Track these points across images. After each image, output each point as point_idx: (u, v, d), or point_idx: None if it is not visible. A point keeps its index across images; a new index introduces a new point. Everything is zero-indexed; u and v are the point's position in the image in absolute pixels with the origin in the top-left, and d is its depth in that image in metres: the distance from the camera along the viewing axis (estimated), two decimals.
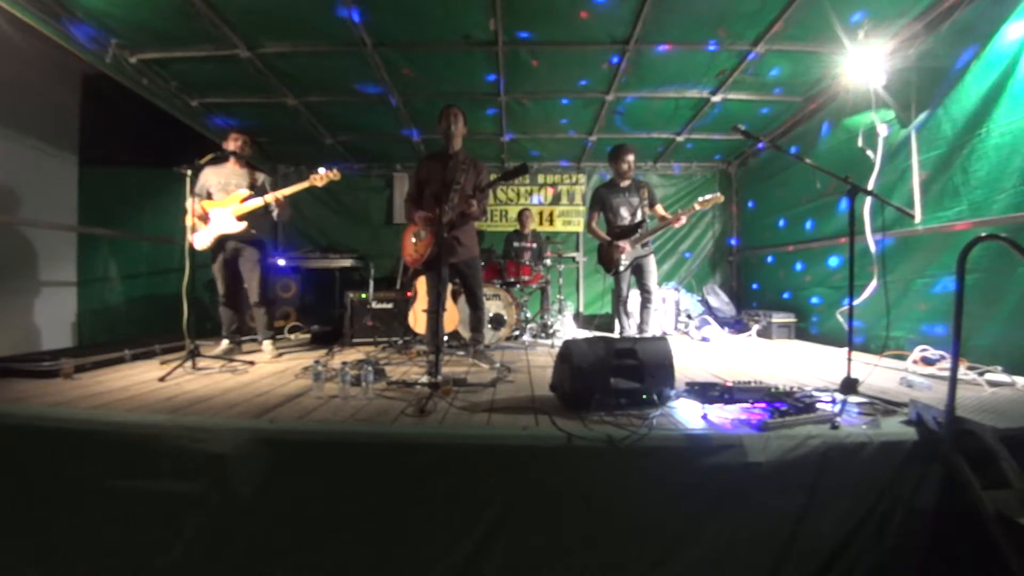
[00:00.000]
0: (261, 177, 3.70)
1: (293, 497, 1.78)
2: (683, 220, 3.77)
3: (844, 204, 4.26)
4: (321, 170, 3.44)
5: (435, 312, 2.92)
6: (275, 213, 3.54)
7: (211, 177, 3.56)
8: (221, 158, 3.55)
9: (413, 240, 3.26)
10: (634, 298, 4.21)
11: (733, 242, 6.50)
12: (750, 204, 6.18)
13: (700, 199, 3.69)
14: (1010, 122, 2.81)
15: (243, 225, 3.49)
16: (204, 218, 3.48)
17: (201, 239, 3.48)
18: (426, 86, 4.36)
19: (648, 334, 3.86)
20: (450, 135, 3.19)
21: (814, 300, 4.74)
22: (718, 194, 3.72)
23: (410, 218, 3.33)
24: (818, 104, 4.57)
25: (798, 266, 5.05)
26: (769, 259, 5.69)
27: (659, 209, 3.92)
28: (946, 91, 3.16)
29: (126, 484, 1.80)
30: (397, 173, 6.51)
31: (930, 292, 3.28)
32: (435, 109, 4.67)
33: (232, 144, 3.59)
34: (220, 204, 3.51)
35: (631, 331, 4.11)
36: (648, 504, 1.75)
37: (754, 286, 6.15)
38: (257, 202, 3.47)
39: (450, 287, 4.16)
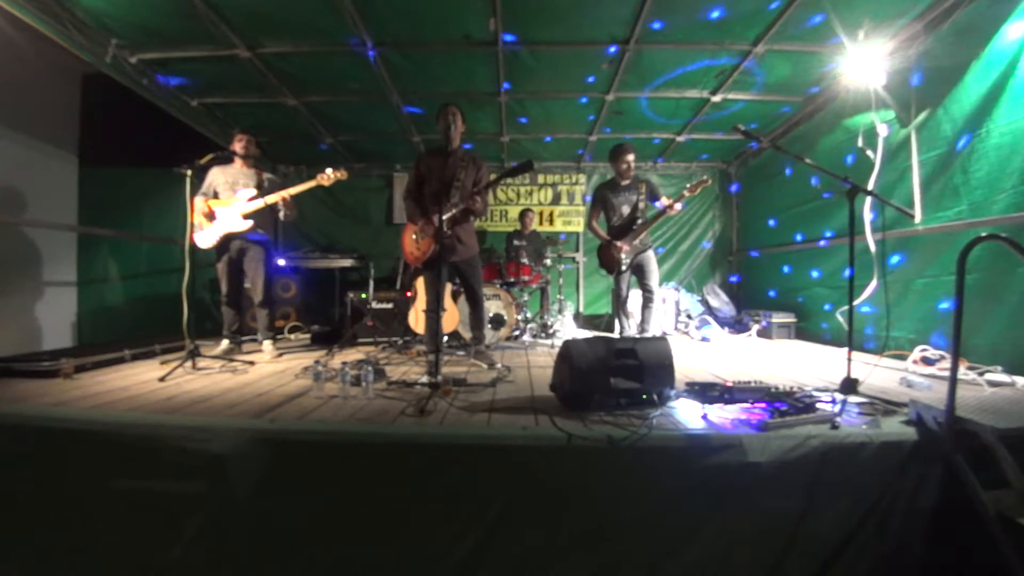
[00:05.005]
0: (268, 177, 3.71)
1: (293, 497, 1.78)
2: (678, 207, 3.80)
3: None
4: (328, 170, 3.45)
5: (435, 312, 2.91)
6: (282, 213, 3.54)
7: (218, 176, 3.57)
8: (227, 158, 3.56)
9: (413, 238, 3.24)
10: (635, 298, 4.21)
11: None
12: (749, 204, 6.19)
13: (688, 185, 3.81)
14: (1010, 122, 2.81)
15: (249, 224, 3.49)
16: (210, 216, 3.48)
17: (206, 238, 3.48)
18: (426, 86, 4.36)
19: (649, 334, 3.86)
20: (449, 134, 3.18)
21: (812, 300, 4.75)
22: (704, 177, 3.81)
23: (411, 216, 3.30)
24: (818, 104, 4.57)
25: (798, 266, 5.05)
26: (769, 259, 5.70)
27: (664, 201, 3.91)
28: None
29: (126, 484, 1.80)
30: (397, 173, 6.51)
31: None
32: (435, 109, 4.73)
33: (238, 145, 3.60)
34: (226, 203, 3.51)
35: (631, 331, 4.11)
36: (648, 504, 1.75)
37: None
38: (262, 201, 3.47)
39: (450, 287, 4.16)
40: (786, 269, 5.27)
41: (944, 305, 3.24)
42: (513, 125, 5.24)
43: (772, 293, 5.53)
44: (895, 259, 3.49)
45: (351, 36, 3.57)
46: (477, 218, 3.30)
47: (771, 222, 5.56)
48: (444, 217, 3.03)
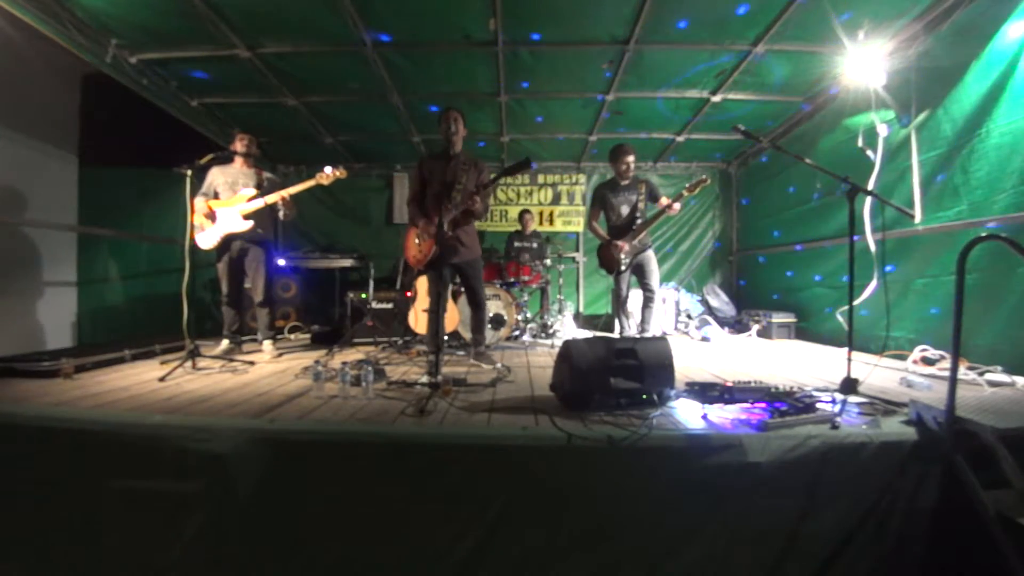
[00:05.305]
0: (268, 177, 3.71)
1: (293, 497, 1.78)
2: (676, 207, 3.79)
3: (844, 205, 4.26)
4: (328, 169, 3.45)
5: (435, 312, 2.92)
6: (282, 213, 3.54)
7: (218, 176, 3.57)
8: (227, 158, 3.56)
9: (416, 241, 3.25)
10: (635, 298, 4.21)
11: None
12: (747, 202, 6.19)
13: (687, 185, 3.79)
14: (1010, 122, 2.81)
15: (250, 224, 3.50)
16: (211, 217, 3.48)
17: (207, 238, 3.48)
18: (426, 86, 4.36)
19: (649, 334, 3.86)
20: (451, 138, 3.19)
21: (812, 300, 4.75)
22: (703, 177, 3.79)
23: (413, 220, 3.30)
24: (818, 104, 4.57)
25: (798, 266, 5.05)
26: (769, 258, 5.70)
27: (663, 202, 3.91)
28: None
29: (126, 484, 1.80)
30: (397, 173, 6.51)
31: None
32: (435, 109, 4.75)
33: (239, 145, 3.60)
34: (226, 203, 3.51)
35: (631, 331, 4.11)
36: (648, 504, 1.75)
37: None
38: (263, 201, 3.47)
39: (450, 287, 4.16)
40: (786, 269, 5.26)
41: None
42: (518, 125, 5.24)
43: (772, 293, 5.53)
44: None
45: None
46: (478, 219, 3.31)
47: (771, 222, 5.56)
48: (445, 219, 3.07)
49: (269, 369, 3.16)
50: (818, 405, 2.10)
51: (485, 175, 3.26)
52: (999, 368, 2.59)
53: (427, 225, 3.17)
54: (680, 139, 5.56)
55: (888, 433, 1.83)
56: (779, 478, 1.73)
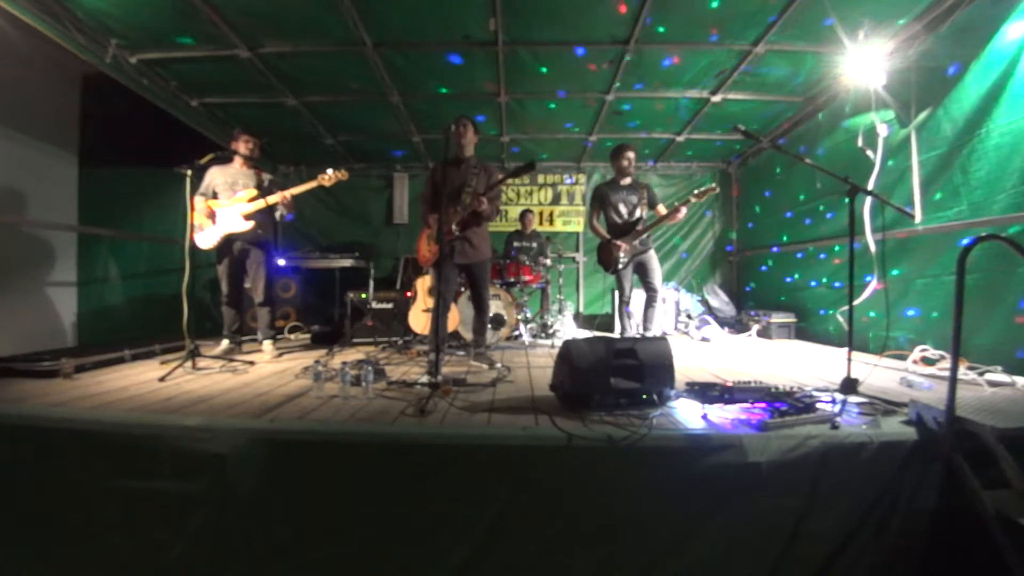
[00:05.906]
0: (267, 177, 3.71)
1: (293, 497, 1.78)
2: (682, 212, 3.76)
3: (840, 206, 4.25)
4: (329, 171, 3.46)
5: (437, 311, 2.93)
6: (278, 212, 3.55)
7: (218, 176, 3.57)
8: (227, 158, 3.56)
9: (427, 241, 3.37)
10: (636, 297, 4.21)
11: (729, 248, 6.54)
12: (753, 208, 6.19)
13: (696, 191, 3.69)
14: (1010, 122, 2.81)
15: (250, 225, 3.50)
16: (211, 217, 3.48)
17: (207, 239, 3.48)
18: (426, 86, 4.37)
19: (651, 333, 3.87)
20: (461, 143, 3.26)
21: (812, 300, 4.75)
22: (713, 185, 3.73)
23: (424, 219, 3.44)
24: (818, 104, 4.57)
25: (798, 266, 5.05)
26: (769, 259, 5.69)
27: (660, 209, 3.92)
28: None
29: (126, 484, 1.80)
30: (397, 173, 6.51)
31: None
32: (436, 109, 4.75)
33: (241, 145, 3.60)
34: (227, 204, 3.51)
35: (632, 331, 4.11)
36: (648, 504, 1.75)
37: (749, 287, 6.16)
38: (264, 201, 3.47)
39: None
40: (786, 269, 5.26)
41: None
42: (515, 125, 5.24)
43: (772, 293, 5.52)
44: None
45: (351, 37, 3.56)
46: (488, 221, 3.34)
47: (771, 222, 5.56)
48: (453, 219, 3.17)
49: (269, 369, 3.16)
50: (818, 405, 2.10)
51: (494, 178, 3.29)
52: (999, 368, 2.59)
53: (435, 223, 3.21)
54: (680, 139, 5.55)
55: (888, 433, 1.83)
56: (779, 478, 1.73)
